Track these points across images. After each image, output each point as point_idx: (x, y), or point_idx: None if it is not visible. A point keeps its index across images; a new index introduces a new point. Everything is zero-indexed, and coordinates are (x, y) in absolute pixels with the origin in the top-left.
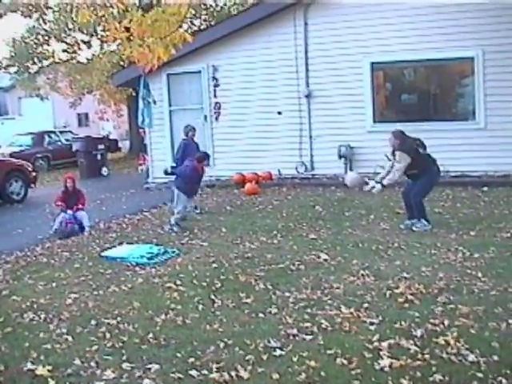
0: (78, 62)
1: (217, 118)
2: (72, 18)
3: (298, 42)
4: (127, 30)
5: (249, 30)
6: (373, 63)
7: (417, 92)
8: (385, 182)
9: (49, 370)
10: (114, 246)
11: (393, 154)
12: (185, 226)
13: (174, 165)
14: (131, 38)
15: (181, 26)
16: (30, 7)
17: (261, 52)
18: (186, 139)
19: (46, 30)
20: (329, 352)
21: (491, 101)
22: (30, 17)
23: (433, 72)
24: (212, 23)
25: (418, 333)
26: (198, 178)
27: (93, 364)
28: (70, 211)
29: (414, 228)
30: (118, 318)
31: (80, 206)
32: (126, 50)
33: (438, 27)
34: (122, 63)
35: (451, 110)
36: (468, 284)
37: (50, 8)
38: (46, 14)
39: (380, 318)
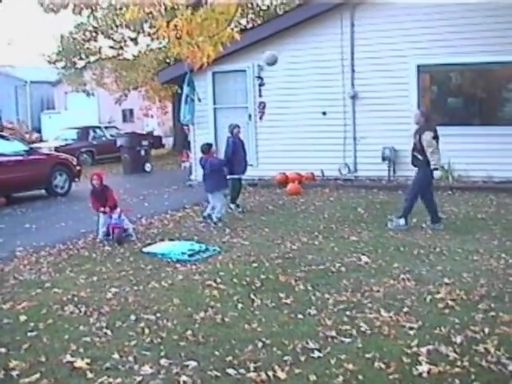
0: (125, 58)
1: (261, 118)
2: (119, 15)
3: (345, 43)
4: (176, 28)
5: (294, 30)
6: (419, 66)
7: (463, 96)
8: (432, 166)
9: (87, 363)
10: (156, 242)
11: (416, 133)
12: (226, 223)
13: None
14: (180, 36)
15: (229, 25)
16: (82, 5)
17: (306, 52)
18: (232, 137)
19: (93, 27)
20: (367, 356)
21: None
22: (81, 14)
23: (479, 76)
24: (258, 23)
25: (458, 339)
26: (210, 169)
27: (131, 359)
28: (115, 215)
29: (389, 225)
30: (158, 314)
31: (111, 206)
32: (175, 48)
33: (485, 30)
34: (167, 60)
35: (497, 115)
36: (510, 292)
37: (99, 5)
38: (96, 11)
39: (419, 323)
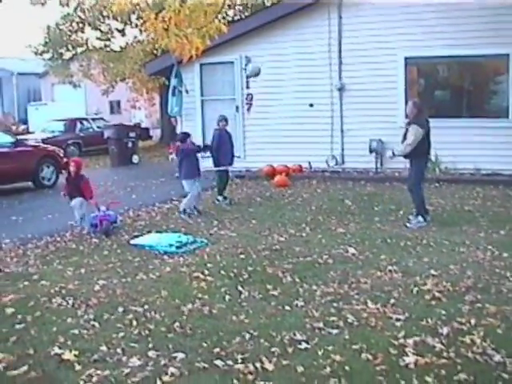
0: (112, 49)
1: (248, 110)
2: (107, 7)
3: (332, 35)
4: (164, 20)
5: (283, 21)
6: (407, 58)
7: (450, 88)
8: (395, 151)
9: (75, 355)
10: (143, 234)
11: (408, 123)
12: (213, 215)
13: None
14: (167, 27)
15: (217, 17)
16: None
17: (294, 44)
18: (218, 129)
19: (80, 18)
20: (354, 347)
21: None
22: (68, 5)
23: (467, 68)
24: (246, 14)
25: (444, 331)
26: (187, 158)
27: (119, 351)
28: (103, 207)
29: (408, 225)
30: (145, 306)
31: (86, 197)
32: (163, 40)
33: (473, 23)
34: (155, 52)
35: (484, 108)
36: (496, 283)
37: None
38: (84, 4)
39: (406, 314)
